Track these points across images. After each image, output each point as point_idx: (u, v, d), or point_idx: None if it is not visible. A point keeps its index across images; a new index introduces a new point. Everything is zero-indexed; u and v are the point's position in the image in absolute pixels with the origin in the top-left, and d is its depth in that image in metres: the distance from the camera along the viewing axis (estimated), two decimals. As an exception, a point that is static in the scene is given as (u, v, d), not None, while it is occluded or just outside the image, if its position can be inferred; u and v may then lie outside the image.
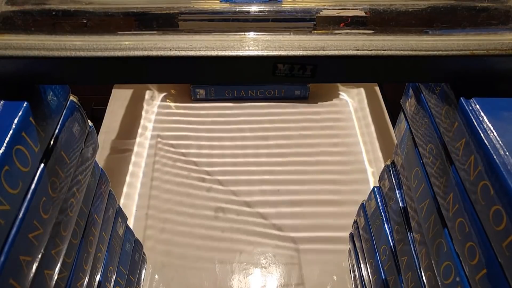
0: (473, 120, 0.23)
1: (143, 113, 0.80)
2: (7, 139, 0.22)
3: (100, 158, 0.71)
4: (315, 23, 0.26)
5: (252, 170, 0.70)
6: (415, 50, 0.23)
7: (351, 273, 0.55)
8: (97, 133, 0.58)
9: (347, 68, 0.24)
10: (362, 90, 0.86)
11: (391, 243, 0.39)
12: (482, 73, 0.25)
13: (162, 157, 0.72)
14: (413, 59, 0.23)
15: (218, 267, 0.58)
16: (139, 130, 0.77)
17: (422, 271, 0.32)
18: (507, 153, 0.21)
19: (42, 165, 0.25)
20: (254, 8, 0.26)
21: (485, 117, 0.23)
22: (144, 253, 0.56)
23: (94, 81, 0.28)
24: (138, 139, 0.75)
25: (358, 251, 0.50)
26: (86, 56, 0.23)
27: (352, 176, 0.69)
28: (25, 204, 0.23)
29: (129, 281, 0.48)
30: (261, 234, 0.61)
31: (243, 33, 0.24)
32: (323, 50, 0.23)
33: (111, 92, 0.84)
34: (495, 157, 0.21)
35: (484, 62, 0.24)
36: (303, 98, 0.83)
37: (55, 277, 0.28)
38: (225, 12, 0.26)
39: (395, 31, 0.25)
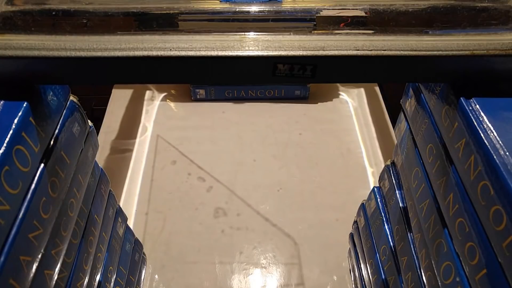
0: (473, 120, 0.23)
1: (143, 113, 0.80)
2: (7, 139, 0.22)
3: (100, 158, 0.71)
4: (315, 23, 0.26)
5: (252, 170, 0.70)
6: (415, 50, 0.23)
7: (351, 273, 0.55)
8: (97, 133, 0.58)
9: (347, 68, 0.24)
10: (362, 90, 0.86)
11: (391, 243, 0.39)
12: (482, 73, 0.25)
13: (162, 157, 0.72)
14: (413, 59, 0.23)
15: (218, 267, 0.58)
16: (139, 130, 0.77)
17: (422, 271, 0.32)
18: (507, 153, 0.21)
19: (42, 165, 0.25)
20: (254, 8, 0.26)
21: (485, 117, 0.23)
22: (144, 253, 0.56)
23: (94, 81, 0.28)
24: (138, 139, 0.75)
25: (358, 251, 0.50)
26: (86, 56, 0.23)
27: (352, 176, 0.69)
28: (25, 204, 0.23)
29: (129, 281, 0.48)
30: (261, 234, 0.61)
31: (243, 33, 0.24)
32: (323, 50, 0.23)
33: (111, 92, 0.84)
34: (495, 157, 0.21)
35: (484, 62, 0.24)
36: (303, 98, 0.83)
37: (55, 277, 0.28)
38: (225, 12, 0.26)
39: (395, 31, 0.25)
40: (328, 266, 0.58)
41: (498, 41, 0.24)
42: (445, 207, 0.27)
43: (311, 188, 0.67)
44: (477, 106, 0.23)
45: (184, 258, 0.59)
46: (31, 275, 0.24)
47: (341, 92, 0.85)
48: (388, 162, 0.41)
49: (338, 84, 0.87)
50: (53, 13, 0.25)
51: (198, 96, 0.82)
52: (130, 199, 0.66)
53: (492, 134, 0.22)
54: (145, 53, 0.23)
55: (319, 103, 0.83)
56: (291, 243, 0.60)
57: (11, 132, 0.22)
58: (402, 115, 0.36)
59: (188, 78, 0.25)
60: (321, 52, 0.23)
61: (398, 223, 0.37)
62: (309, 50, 0.23)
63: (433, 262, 0.29)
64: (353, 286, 0.54)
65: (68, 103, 0.30)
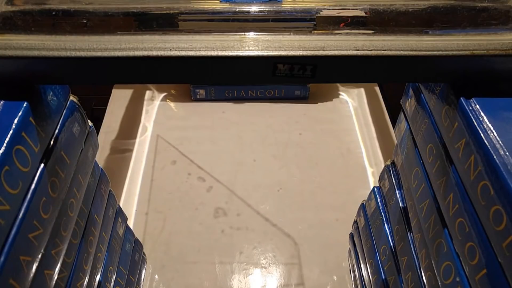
0: (473, 120, 0.23)
1: (143, 113, 0.80)
2: (7, 139, 0.22)
3: (100, 158, 0.71)
4: (315, 23, 0.26)
5: (252, 170, 0.70)
6: (415, 50, 0.23)
7: (351, 273, 0.55)
8: (97, 133, 0.58)
9: (347, 68, 0.24)
10: (362, 90, 0.86)
11: (391, 243, 0.39)
12: (482, 73, 0.25)
13: (162, 157, 0.72)
14: (413, 59, 0.23)
15: (218, 267, 0.58)
16: (139, 130, 0.77)
17: (422, 271, 0.32)
18: (507, 153, 0.21)
19: (42, 165, 0.25)
20: (254, 8, 0.26)
21: (485, 117, 0.23)
22: (144, 253, 0.56)
23: (94, 81, 0.28)
24: (138, 139, 0.75)
25: (358, 251, 0.50)
26: (86, 56, 0.23)
27: (352, 176, 0.69)
28: (25, 204, 0.23)
29: (129, 281, 0.48)
30: (261, 234, 0.61)
31: (243, 33, 0.24)
32: (323, 50, 0.23)
33: (111, 92, 0.84)
34: (495, 157, 0.21)
35: (484, 62, 0.24)
36: (303, 98, 0.83)
37: (55, 277, 0.28)
38: (225, 12, 0.26)
39: (395, 31, 0.25)
40: (328, 266, 0.58)
41: (498, 41, 0.24)
42: (445, 207, 0.27)
43: (311, 188, 0.67)
44: (477, 106, 0.23)
45: (184, 258, 0.59)
46: (31, 275, 0.24)
47: (341, 92, 0.85)
48: (388, 162, 0.41)
49: (338, 84, 0.87)
50: (53, 13, 0.25)
51: (198, 96, 0.82)
52: (130, 199, 0.66)
53: (492, 134, 0.22)
54: (145, 53, 0.23)
55: (319, 103, 0.83)
56: (291, 243, 0.60)
57: (11, 132, 0.22)
58: (402, 115, 0.36)
59: (188, 78, 0.25)
60: (321, 52, 0.23)
61: (398, 223, 0.37)
62: (309, 50, 0.23)
63: (433, 262, 0.29)
64: (353, 286, 0.54)
65: (68, 103, 0.30)
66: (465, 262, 0.24)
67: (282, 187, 0.67)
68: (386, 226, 0.40)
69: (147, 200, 0.66)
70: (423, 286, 0.32)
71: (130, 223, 0.62)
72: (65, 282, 0.31)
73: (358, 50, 0.23)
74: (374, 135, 0.76)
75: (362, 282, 0.49)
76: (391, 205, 0.39)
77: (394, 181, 0.39)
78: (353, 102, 0.83)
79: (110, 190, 0.42)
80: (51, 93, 0.27)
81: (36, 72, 0.24)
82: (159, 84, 0.86)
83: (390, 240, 0.39)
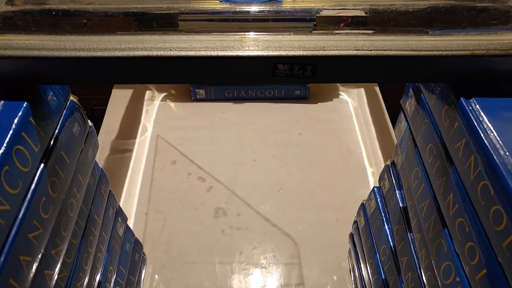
0: (473, 120, 0.23)
1: (143, 113, 0.80)
2: (7, 139, 0.22)
3: (100, 158, 0.71)
4: (315, 23, 0.26)
5: (252, 170, 0.70)
6: (415, 50, 0.23)
7: (351, 273, 0.55)
8: (97, 133, 0.58)
9: (347, 68, 0.24)
10: (362, 90, 0.86)
11: (391, 243, 0.39)
12: (482, 73, 0.25)
13: (162, 157, 0.72)
14: (413, 59, 0.23)
15: (218, 267, 0.58)
16: (139, 130, 0.77)
17: (422, 271, 0.32)
18: (507, 153, 0.21)
19: (42, 165, 0.25)
20: (254, 8, 0.26)
21: (485, 117, 0.23)
22: (144, 253, 0.56)
23: (94, 81, 0.28)
24: (138, 139, 0.75)
25: (358, 251, 0.50)
26: (86, 56, 0.23)
27: (352, 176, 0.69)
28: (25, 204, 0.23)
29: (129, 281, 0.48)
30: (261, 234, 0.61)
31: (243, 33, 0.24)
32: (323, 50, 0.23)
33: (111, 92, 0.84)
34: (495, 157, 0.21)
35: (484, 62, 0.24)
36: (303, 98, 0.83)
37: (55, 277, 0.28)
38: (225, 12, 0.26)
39: (395, 31, 0.25)
40: (328, 266, 0.58)
41: (498, 41, 0.24)
42: (445, 207, 0.27)
43: (311, 188, 0.67)
44: (477, 106, 0.23)
45: (184, 258, 0.59)
46: (31, 275, 0.24)
47: (341, 92, 0.85)
48: (388, 162, 0.41)
49: (338, 84, 0.87)
50: (53, 13, 0.25)
51: (198, 96, 0.82)
52: (130, 199, 0.66)
53: (492, 134, 0.22)
54: (145, 53, 0.23)
55: (319, 103, 0.83)
56: (291, 243, 0.60)
57: (11, 132, 0.22)
58: (402, 115, 0.36)
59: (188, 78, 0.25)
60: (321, 52, 0.23)
61: (398, 223, 0.37)
62: (309, 50, 0.23)
63: (433, 262, 0.29)
64: (353, 286, 0.54)
65: (68, 103, 0.30)
66: (465, 262, 0.24)
67: (282, 187, 0.67)
68: (386, 226, 0.40)
69: (147, 200, 0.66)
70: (423, 286, 0.32)
71: (130, 223, 0.62)
72: (65, 282, 0.31)
73: (358, 50, 0.23)
74: (374, 135, 0.77)
75: (362, 282, 0.49)
76: (391, 205, 0.39)
77: (394, 181, 0.39)
78: (353, 102, 0.83)
79: (110, 190, 0.42)
80: (51, 93, 0.27)
81: (36, 72, 0.24)
82: (159, 84, 0.86)
83: (390, 240, 0.39)
